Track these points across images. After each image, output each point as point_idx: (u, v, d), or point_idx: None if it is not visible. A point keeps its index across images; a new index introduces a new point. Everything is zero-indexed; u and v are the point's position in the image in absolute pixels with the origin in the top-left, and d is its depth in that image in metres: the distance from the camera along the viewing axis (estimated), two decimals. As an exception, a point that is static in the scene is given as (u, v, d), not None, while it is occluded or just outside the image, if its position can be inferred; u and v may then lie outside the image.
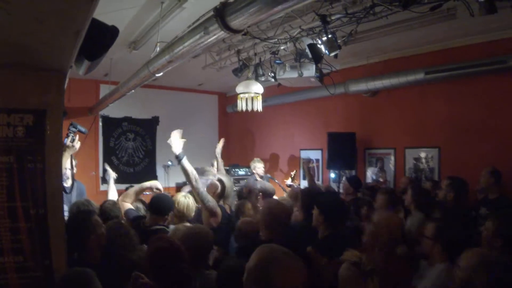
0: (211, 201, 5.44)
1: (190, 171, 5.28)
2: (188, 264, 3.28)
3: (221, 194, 5.93)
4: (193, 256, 3.54)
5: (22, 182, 3.35)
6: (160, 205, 5.06)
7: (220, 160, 8.80)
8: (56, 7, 2.23)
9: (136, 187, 5.81)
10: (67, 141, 5.07)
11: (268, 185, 7.36)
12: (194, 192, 5.42)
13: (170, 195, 5.67)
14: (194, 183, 5.28)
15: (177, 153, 5.35)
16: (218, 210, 5.49)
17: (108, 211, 5.25)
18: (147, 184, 5.84)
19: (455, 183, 6.05)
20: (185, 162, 5.30)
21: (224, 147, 8.76)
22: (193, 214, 5.43)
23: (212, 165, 9.35)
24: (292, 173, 9.35)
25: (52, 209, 3.43)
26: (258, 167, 9.54)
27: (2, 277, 3.24)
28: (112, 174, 7.15)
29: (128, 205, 5.50)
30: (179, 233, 4.12)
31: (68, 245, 3.66)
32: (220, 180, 6.02)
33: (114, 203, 5.50)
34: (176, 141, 5.46)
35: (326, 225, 4.51)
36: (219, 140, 8.95)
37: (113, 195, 6.61)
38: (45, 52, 3.06)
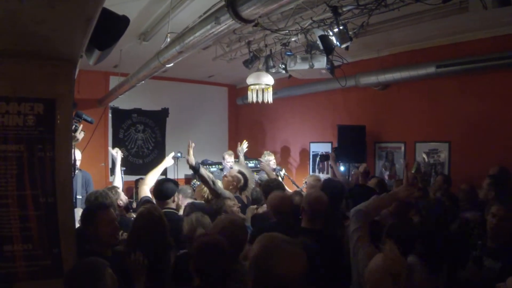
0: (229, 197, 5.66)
1: (207, 177, 5.72)
2: (230, 259, 3.31)
3: (243, 187, 6.03)
4: (233, 247, 3.59)
5: (32, 171, 3.37)
6: (162, 191, 5.30)
7: (242, 156, 8.77)
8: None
9: (155, 171, 5.91)
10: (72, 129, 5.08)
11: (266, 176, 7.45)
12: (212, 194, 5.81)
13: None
14: (212, 187, 5.72)
15: (193, 164, 5.82)
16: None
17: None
18: (163, 166, 6.09)
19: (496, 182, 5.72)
20: (202, 170, 5.78)
21: (234, 139, 8.76)
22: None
23: (224, 158, 9.37)
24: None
25: (61, 197, 3.44)
26: (270, 160, 9.52)
27: (11, 265, 3.26)
28: (116, 154, 7.02)
29: (146, 191, 5.58)
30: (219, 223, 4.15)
31: (81, 236, 3.68)
32: (242, 173, 6.13)
33: (111, 188, 5.50)
34: (190, 155, 5.91)
35: None
36: (228, 132, 8.83)
37: (118, 182, 6.55)
38: (56, 41, 3.05)
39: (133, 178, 10.86)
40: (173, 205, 5.34)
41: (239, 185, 6.14)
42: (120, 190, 5.74)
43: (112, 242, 3.88)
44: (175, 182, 5.62)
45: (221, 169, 9.56)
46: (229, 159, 9.26)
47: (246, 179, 6.13)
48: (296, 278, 2.22)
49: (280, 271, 2.22)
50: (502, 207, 4.04)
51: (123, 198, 5.57)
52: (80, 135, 5.15)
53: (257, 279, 2.28)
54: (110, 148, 7.56)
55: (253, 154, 12.03)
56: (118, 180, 6.57)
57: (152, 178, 5.85)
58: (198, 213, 4.92)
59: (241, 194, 6.23)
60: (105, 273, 2.76)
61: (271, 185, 5.90)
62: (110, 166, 11.53)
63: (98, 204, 4.29)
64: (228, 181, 6.29)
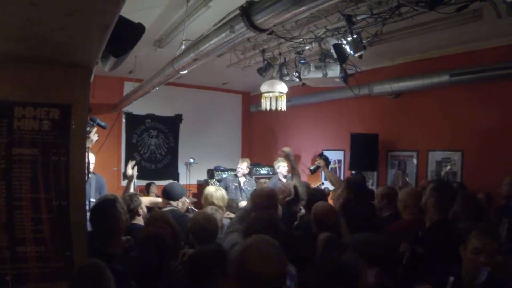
0: None
1: None
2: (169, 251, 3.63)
3: (291, 201, 5.88)
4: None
5: (46, 174, 3.42)
6: (172, 191, 5.63)
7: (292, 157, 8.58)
8: (85, 2, 2.26)
9: (153, 200, 6.13)
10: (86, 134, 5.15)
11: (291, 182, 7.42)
12: None
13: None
14: None
15: None
16: None
17: (127, 203, 5.24)
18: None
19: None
20: None
21: (247, 146, 8.72)
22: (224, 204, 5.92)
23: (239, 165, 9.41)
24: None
25: (74, 201, 3.49)
26: (283, 165, 9.52)
27: (24, 266, 3.31)
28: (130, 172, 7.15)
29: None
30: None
31: (91, 233, 3.73)
32: (295, 188, 5.94)
33: (133, 195, 5.58)
34: None
35: None
36: (242, 139, 8.64)
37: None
38: (72, 47, 3.10)
39: (144, 182, 10.97)
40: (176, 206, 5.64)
41: (288, 198, 5.99)
42: (141, 198, 5.83)
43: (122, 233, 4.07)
44: (183, 187, 5.84)
45: (235, 175, 9.59)
46: (241, 166, 9.30)
47: (297, 194, 5.99)
48: (269, 278, 2.43)
49: (253, 268, 2.46)
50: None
51: (143, 207, 5.62)
52: (94, 136, 5.24)
53: (237, 274, 2.53)
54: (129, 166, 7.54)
55: (266, 161, 12.08)
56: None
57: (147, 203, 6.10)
58: (211, 207, 5.15)
59: (292, 208, 6.09)
60: (106, 273, 2.80)
61: (315, 195, 5.85)
62: (122, 170, 11.61)
63: (109, 199, 4.33)
64: (279, 190, 6.10)
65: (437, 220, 4.25)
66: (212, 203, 5.77)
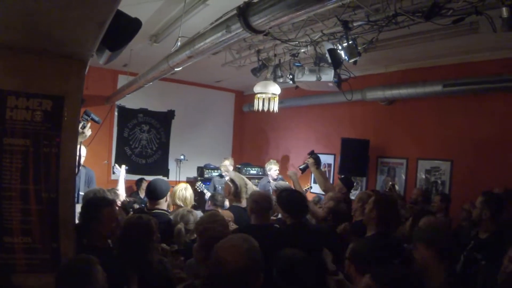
0: None
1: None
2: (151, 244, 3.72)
3: (235, 193, 6.05)
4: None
5: (36, 166, 3.42)
6: (156, 190, 5.34)
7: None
8: (82, -3, 2.28)
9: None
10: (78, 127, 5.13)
11: (283, 183, 7.47)
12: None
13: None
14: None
15: None
16: None
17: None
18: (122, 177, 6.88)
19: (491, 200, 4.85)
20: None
21: (238, 145, 8.78)
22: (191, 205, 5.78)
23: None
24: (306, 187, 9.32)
25: (63, 194, 3.49)
26: (274, 169, 9.54)
27: (11, 256, 3.30)
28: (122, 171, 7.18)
29: None
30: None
31: (78, 230, 3.71)
32: (231, 181, 6.17)
33: (111, 190, 5.67)
34: None
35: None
36: (232, 138, 8.81)
37: (121, 189, 6.67)
38: (68, 40, 3.11)
39: (135, 177, 10.95)
40: (164, 206, 5.37)
41: (231, 191, 6.15)
42: (119, 192, 5.92)
43: (110, 237, 3.97)
44: (166, 183, 5.65)
45: (221, 176, 9.64)
46: (227, 165, 9.36)
47: (236, 186, 6.15)
48: (233, 267, 2.40)
49: (220, 254, 2.46)
50: None
51: (121, 199, 5.72)
52: (88, 131, 5.23)
53: (210, 260, 2.55)
54: (117, 165, 7.73)
55: (256, 161, 12.08)
56: (121, 190, 6.67)
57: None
58: (186, 208, 5.12)
59: (241, 202, 6.20)
60: (96, 269, 2.79)
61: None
62: (113, 164, 11.58)
63: (103, 200, 4.27)
64: (224, 191, 6.44)
65: (494, 231, 4.52)
66: (175, 203, 5.75)
